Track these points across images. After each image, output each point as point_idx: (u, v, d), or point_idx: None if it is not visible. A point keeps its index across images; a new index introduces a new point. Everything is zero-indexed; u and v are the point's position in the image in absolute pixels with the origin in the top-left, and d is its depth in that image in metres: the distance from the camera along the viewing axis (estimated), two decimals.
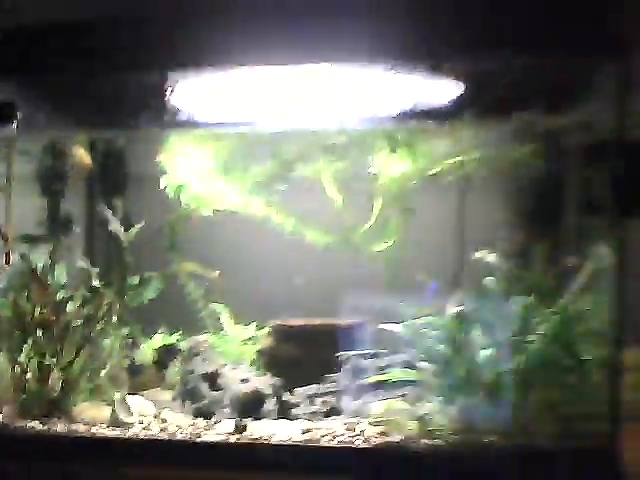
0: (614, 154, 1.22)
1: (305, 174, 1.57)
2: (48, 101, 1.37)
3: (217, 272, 1.48)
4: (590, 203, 1.32)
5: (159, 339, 1.51)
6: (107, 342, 1.37)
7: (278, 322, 1.56)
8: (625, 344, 1.41)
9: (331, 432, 1.27)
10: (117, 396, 1.29)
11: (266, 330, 1.57)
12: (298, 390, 1.42)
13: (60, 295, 1.33)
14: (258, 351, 1.56)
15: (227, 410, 1.37)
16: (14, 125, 1.33)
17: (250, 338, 1.60)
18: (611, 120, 1.22)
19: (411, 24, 1.26)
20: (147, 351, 1.49)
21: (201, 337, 1.54)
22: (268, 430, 1.28)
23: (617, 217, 1.20)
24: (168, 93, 1.37)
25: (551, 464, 1.19)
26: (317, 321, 1.55)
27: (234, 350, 1.56)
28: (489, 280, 1.32)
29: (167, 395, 1.49)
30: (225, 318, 1.59)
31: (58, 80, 1.34)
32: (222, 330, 1.58)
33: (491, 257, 1.37)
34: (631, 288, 1.21)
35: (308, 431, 1.28)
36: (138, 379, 1.46)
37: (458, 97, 1.35)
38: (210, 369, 1.44)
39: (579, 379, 1.24)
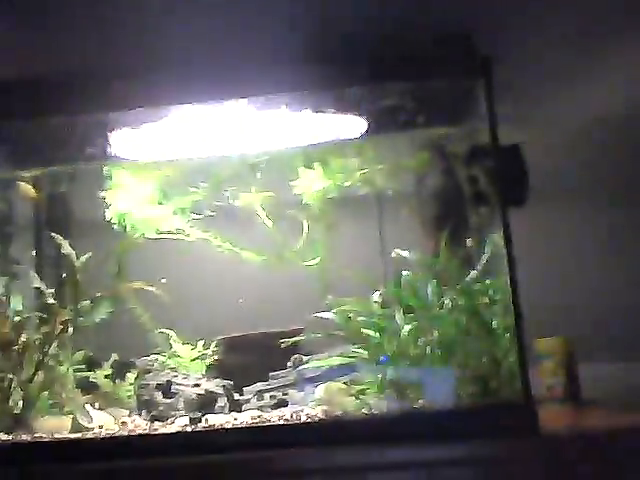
0: (492, 155, 1.45)
1: (238, 204, 1.75)
2: None
3: (163, 280, 1.62)
4: (480, 197, 1.55)
5: (113, 358, 1.61)
6: (63, 360, 1.47)
7: (225, 336, 1.70)
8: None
9: (280, 416, 1.41)
10: (77, 405, 1.39)
11: (213, 346, 1.71)
12: (247, 389, 1.56)
13: (17, 318, 1.44)
14: (207, 366, 1.68)
15: (182, 412, 1.49)
16: None
17: (199, 357, 1.73)
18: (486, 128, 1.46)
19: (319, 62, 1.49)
20: (101, 369, 1.59)
21: (152, 356, 1.67)
22: (221, 420, 1.40)
23: (501, 207, 1.42)
24: (107, 132, 1.55)
25: (474, 420, 1.35)
26: (259, 331, 1.71)
27: (185, 366, 1.68)
28: (405, 271, 1.54)
29: (123, 412, 1.59)
30: (173, 338, 1.72)
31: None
32: (171, 349, 1.71)
33: (405, 253, 1.59)
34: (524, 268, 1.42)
35: (258, 417, 1.41)
36: (94, 395, 1.55)
37: (363, 118, 1.59)
38: (163, 380, 1.56)
39: (490, 343, 1.43)
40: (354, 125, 1.59)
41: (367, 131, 1.58)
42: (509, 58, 1.48)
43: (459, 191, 1.62)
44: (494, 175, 1.45)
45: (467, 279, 1.47)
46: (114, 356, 1.64)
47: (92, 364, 1.59)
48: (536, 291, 1.48)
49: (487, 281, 1.47)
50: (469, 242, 1.54)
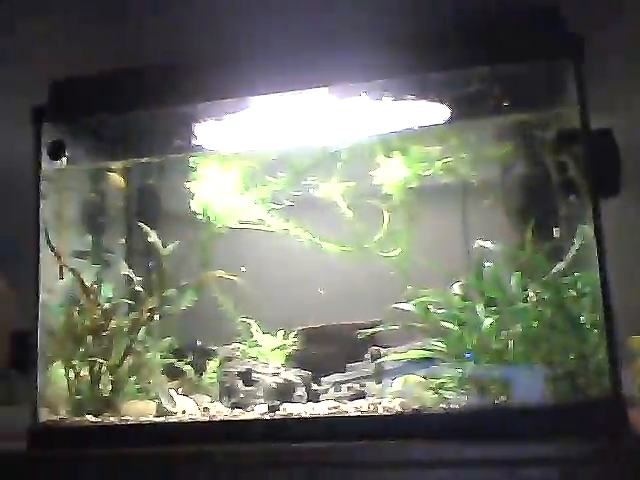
0: (582, 141, 1.37)
1: (318, 194, 1.75)
2: (88, 138, 1.60)
3: (242, 268, 1.65)
4: (569, 185, 1.47)
5: (196, 345, 1.66)
6: (150, 346, 1.53)
7: (304, 327, 1.71)
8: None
9: (357, 408, 1.40)
10: (162, 390, 1.44)
11: (293, 336, 1.72)
12: (324, 379, 1.56)
13: (107, 305, 1.51)
14: (287, 355, 1.70)
15: (261, 400, 1.51)
16: (64, 162, 1.55)
17: (280, 347, 1.74)
18: (577, 112, 1.38)
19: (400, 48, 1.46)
20: (186, 356, 1.64)
21: (233, 345, 1.70)
22: (299, 410, 1.41)
23: (591, 197, 1.34)
24: (192, 124, 1.59)
25: (559, 418, 1.30)
26: (337, 322, 1.70)
27: (265, 356, 1.70)
28: (488, 263, 1.48)
29: (206, 398, 1.63)
30: (254, 328, 1.75)
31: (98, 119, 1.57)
32: (252, 338, 1.73)
33: (488, 243, 1.54)
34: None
35: (335, 408, 1.41)
36: (179, 381, 1.60)
37: (445, 104, 1.55)
38: (243, 368, 1.59)
39: (578, 339, 1.36)
40: (436, 112, 1.55)
41: (449, 118, 1.54)
42: (597, 37, 1.40)
43: (547, 179, 1.55)
44: (584, 162, 1.37)
45: (554, 271, 1.41)
46: (198, 343, 1.69)
47: (177, 351, 1.64)
48: (630, 286, 1.40)
49: (576, 274, 1.40)
50: (556, 233, 1.47)
